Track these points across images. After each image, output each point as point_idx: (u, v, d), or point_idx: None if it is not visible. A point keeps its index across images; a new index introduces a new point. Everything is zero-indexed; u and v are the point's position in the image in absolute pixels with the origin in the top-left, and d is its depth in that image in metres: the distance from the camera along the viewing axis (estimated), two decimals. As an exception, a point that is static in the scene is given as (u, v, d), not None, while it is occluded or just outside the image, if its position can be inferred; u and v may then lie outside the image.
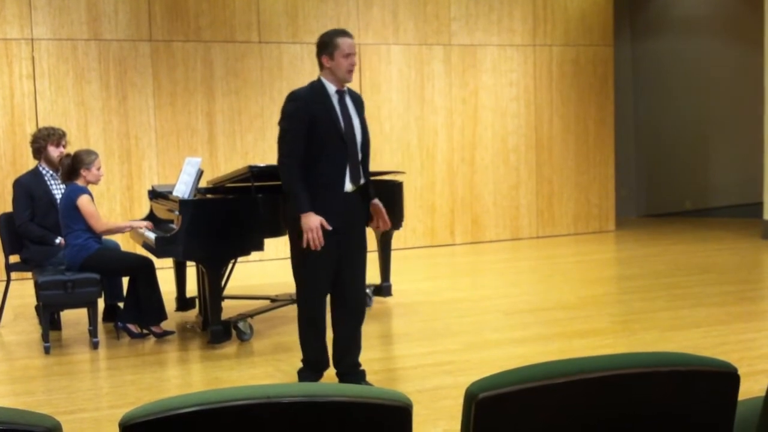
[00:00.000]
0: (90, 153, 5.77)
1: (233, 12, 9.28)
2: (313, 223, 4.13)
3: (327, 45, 4.26)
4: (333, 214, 4.22)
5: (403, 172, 7.74)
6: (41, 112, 8.61)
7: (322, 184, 4.23)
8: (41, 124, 8.00)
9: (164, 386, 4.74)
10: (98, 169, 5.77)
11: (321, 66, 4.30)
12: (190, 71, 9.14)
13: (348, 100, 4.34)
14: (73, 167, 5.69)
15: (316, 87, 4.30)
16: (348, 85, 4.39)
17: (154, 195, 6.54)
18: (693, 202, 12.61)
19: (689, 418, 1.80)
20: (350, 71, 4.28)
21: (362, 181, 4.35)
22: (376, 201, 4.48)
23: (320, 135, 4.20)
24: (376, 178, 6.84)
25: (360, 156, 4.33)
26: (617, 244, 10.41)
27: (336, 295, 4.39)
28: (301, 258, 4.28)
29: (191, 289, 6.54)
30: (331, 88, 4.28)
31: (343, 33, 4.31)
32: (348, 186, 4.27)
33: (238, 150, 9.09)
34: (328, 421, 1.62)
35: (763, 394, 1.95)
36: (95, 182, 5.81)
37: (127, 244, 7.58)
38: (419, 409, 3.93)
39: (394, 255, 7.03)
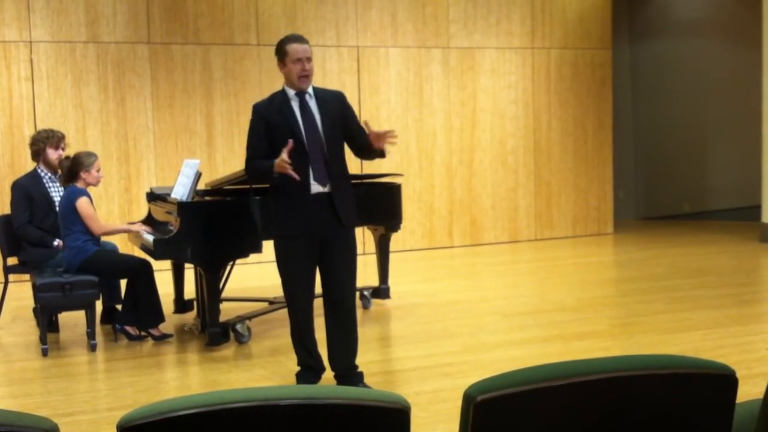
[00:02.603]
0: (90, 155, 5.78)
1: (232, 14, 9.28)
2: (278, 161, 4.14)
3: (279, 52, 4.35)
4: (299, 218, 4.27)
5: (401, 174, 7.75)
6: (39, 114, 8.61)
7: (287, 189, 4.28)
8: (39, 126, 8.01)
9: (162, 388, 4.74)
10: (98, 171, 5.77)
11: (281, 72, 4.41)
12: (189, 73, 9.14)
13: (312, 102, 4.35)
14: (73, 169, 5.69)
15: (277, 95, 4.42)
16: (337, 87, 4.40)
17: (153, 197, 6.54)
18: (691, 205, 12.62)
19: (687, 421, 1.81)
20: (303, 77, 4.28)
21: (329, 183, 4.26)
22: (369, 130, 4.29)
23: (279, 142, 4.26)
24: (374, 180, 6.86)
25: (327, 156, 4.28)
26: (615, 246, 10.42)
27: (324, 298, 4.45)
28: (280, 267, 4.40)
29: (189, 291, 6.54)
30: (291, 93, 4.34)
31: (294, 39, 4.34)
32: (314, 188, 4.27)
33: (236, 152, 9.08)
34: (326, 423, 1.62)
35: (761, 396, 1.95)
36: (95, 184, 5.82)
37: (125, 246, 7.58)
38: (417, 412, 3.93)
39: (392, 257, 7.03)
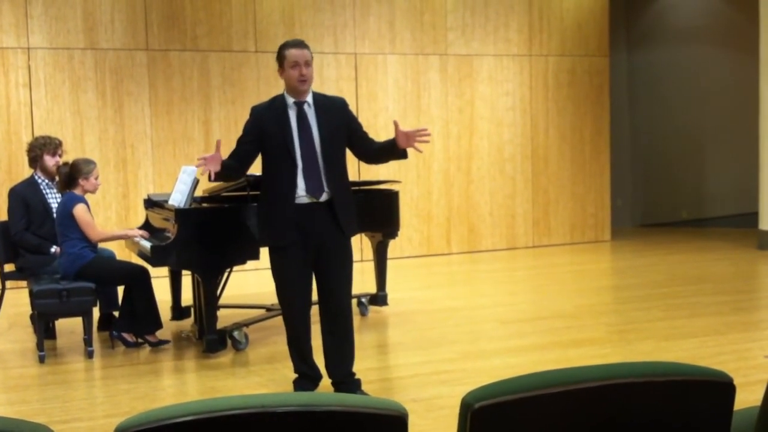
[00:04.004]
0: (88, 162, 5.77)
1: (230, 21, 9.29)
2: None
3: (278, 57, 4.34)
4: (284, 227, 4.26)
5: (399, 182, 7.75)
6: (37, 120, 8.61)
7: (275, 196, 4.29)
8: (37, 133, 8.00)
9: (159, 395, 4.73)
10: (96, 178, 5.77)
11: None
12: (187, 80, 9.15)
13: (310, 111, 4.32)
14: (72, 176, 5.69)
15: (276, 101, 4.40)
16: (335, 94, 4.40)
17: (150, 204, 6.53)
18: (689, 212, 12.63)
19: (685, 428, 1.80)
20: (302, 81, 4.26)
21: (325, 192, 4.26)
22: (398, 129, 4.27)
23: (271, 148, 4.29)
24: (371, 188, 6.86)
25: (325, 166, 4.27)
26: (613, 253, 10.42)
27: (321, 306, 4.45)
28: (275, 276, 4.40)
29: (186, 297, 6.53)
30: (290, 101, 4.33)
31: (293, 44, 4.32)
32: (303, 198, 4.25)
33: (234, 159, 9.07)
34: (323, 430, 1.61)
35: (759, 404, 1.95)
36: (93, 191, 5.82)
37: (122, 252, 7.57)
38: (415, 419, 3.93)
39: (390, 264, 7.02)
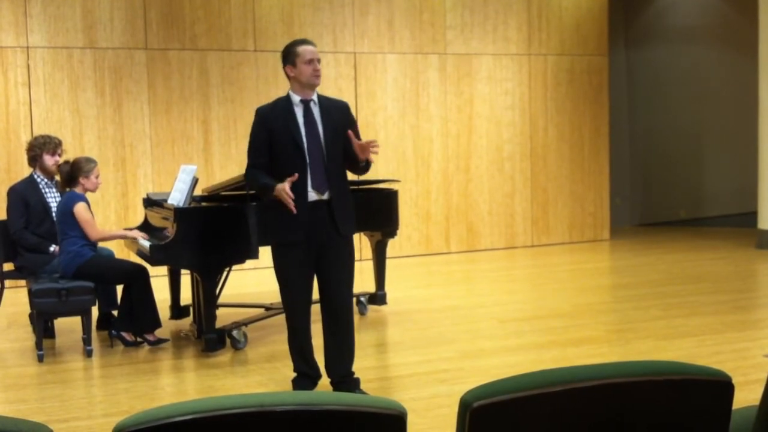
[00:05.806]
0: (89, 161, 5.78)
1: (229, 20, 9.29)
2: (279, 189, 4.16)
3: (288, 55, 4.34)
4: (296, 225, 4.26)
5: (398, 180, 7.76)
6: (36, 119, 8.60)
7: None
8: (36, 132, 8.01)
9: (158, 394, 4.73)
10: (96, 177, 5.78)
11: (288, 77, 4.38)
12: (186, 79, 9.14)
13: (315, 109, 4.35)
14: (72, 175, 5.70)
15: (281, 100, 4.41)
16: (334, 93, 4.40)
17: (149, 203, 6.54)
18: (687, 212, 12.64)
19: (684, 427, 1.81)
20: (316, 76, 4.31)
21: (328, 190, 4.29)
22: (353, 141, 4.29)
23: (280, 147, 4.31)
24: (370, 187, 6.86)
25: (328, 164, 4.29)
26: (612, 252, 10.42)
27: (322, 305, 4.45)
28: (278, 274, 4.41)
29: (186, 297, 6.53)
30: (296, 99, 4.34)
31: (303, 41, 4.37)
32: (312, 196, 4.27)
33: (233, 158, 9.08)
34: (322, 429, 1.62)
35: (758, 403, 1.96)
36: (93, 190, 5.82)
37: (121, 251, 7.56)
38: (414, 418, 3.93)
39: (389, 263, 7.02)
